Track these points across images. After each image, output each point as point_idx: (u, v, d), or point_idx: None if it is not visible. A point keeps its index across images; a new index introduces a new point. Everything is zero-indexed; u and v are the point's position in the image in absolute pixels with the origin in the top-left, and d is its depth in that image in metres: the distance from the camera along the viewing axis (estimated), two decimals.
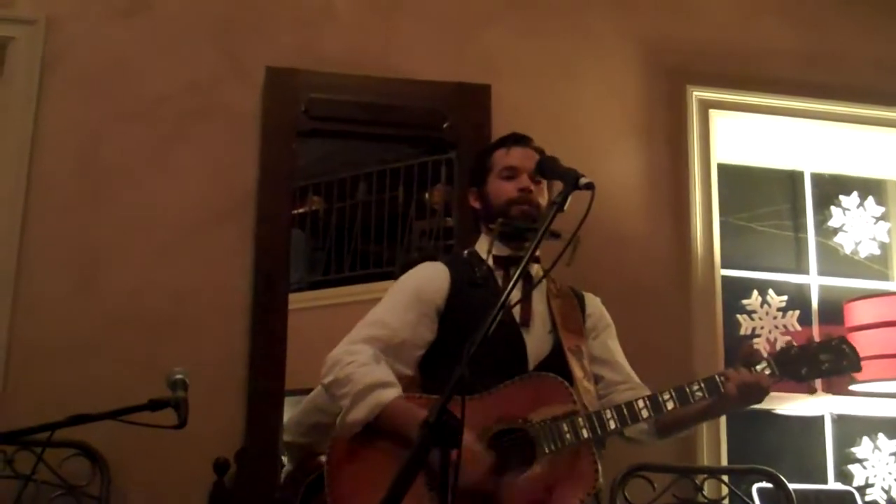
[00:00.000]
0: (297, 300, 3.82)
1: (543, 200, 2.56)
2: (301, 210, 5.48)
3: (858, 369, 2.40)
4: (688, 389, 2.33)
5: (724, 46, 3.81)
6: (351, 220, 5.58)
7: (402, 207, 5.35)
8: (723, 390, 2.32)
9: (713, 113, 3.76)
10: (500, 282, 2.52)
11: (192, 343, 3.17)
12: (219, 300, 3.27)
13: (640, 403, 2.32)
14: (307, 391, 3.02)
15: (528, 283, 2.51)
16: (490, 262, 2.52)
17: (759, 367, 2.35)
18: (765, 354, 2.43)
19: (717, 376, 2.35)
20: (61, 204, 3.26)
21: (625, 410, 2.32)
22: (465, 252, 2.65)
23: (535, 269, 2.56)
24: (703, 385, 2.34)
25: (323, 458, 2.39)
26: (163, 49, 3.43)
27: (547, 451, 2.26)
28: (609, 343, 2.63)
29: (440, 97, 3.48)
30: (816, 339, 2.41)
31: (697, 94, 3.73)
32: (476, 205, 2.66)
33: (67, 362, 3.11)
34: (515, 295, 2.38)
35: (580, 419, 2.28)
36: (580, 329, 2.56)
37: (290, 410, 3.17)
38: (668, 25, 3.80)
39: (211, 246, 3.31)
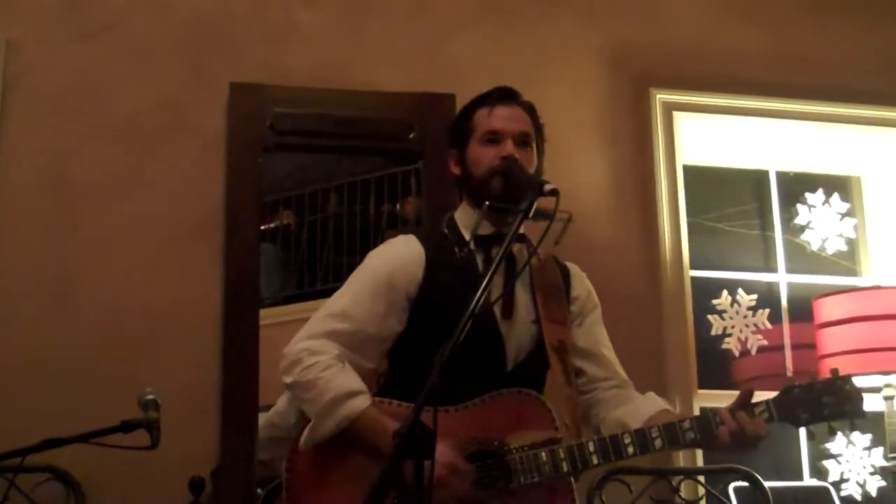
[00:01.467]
0: (270, 315, 3.80)
1: (532, 166, 2.34)
2: (272, 224, 5.44)
3: (861, 415, 2.21)
4: (679, 429, 2.18)
5: (687, 49, 3.83)
6: (323, 233, 5.56)
7: (373, 219, 5.34)
8: (715, 432, 2.16)
9: (677, 115, 3.78)
10: (480, 265, 2.32)
11: (163, 361, 3.15)
12: (190, 317, 3.25)
13: (626, 439, 2.17)
14: None
15: (511, 266, 2.32)
16: (472, 243, 2.31)
17: (757, 411, 2.19)
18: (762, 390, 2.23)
19: (711, 416, 2.18)
20: (28, 225, 3.25)
21: (609, 447, 2.16)
22: (445, 221, 2.43)
23: (518, 249, 2.35)
24: (695, 425, 2.17)
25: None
26: (126, 68, 3.42)
27: (522, 481, 2.13)
28: (594, 330, 2.45)
29: (405, 108, 3.49)
30: (819, 376, 2.25)
31: (661, 96, 3.75)
32: (456, 171, 2.42)
33: (38, 384, 3.09)
34: (497, 282, 2.23)
35: (561, 451, 2.15)
36: (564, 318, 2.38)
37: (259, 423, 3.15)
38: (630, 29, 3.83)
39: (181, 263, 3.30)
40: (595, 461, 2.16)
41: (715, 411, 2.20)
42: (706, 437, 2.18)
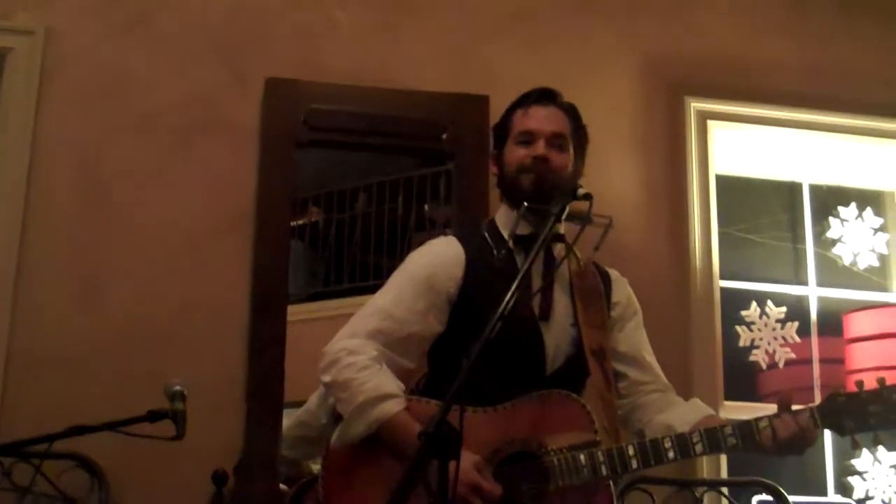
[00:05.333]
0: (296, 311, 3.82)
1: (566, 167, 2.34)
2: (300, 221, 5.47)
3: None
4: (720, 434, 2.14)
5: (723, 58, 3.81)
6: (350, 232, 5.58)
7: (401, 219, 5.34)
8: (758, 438, 2.13)
9: (711, 124, 3.76)
10: (519, 266, 2.23)
11: (191, 354, 3.16)
12: (218, 312, 3.26)
13: (667, 444, 2.14)
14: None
15: (550, 265, 2.31)
16: (511, 243, 2.31)
17: (801, 418, 2.14)
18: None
19: (753, 423, 2.14)
20: (61, 216, 3.27)
21: (650, 451, 2.13)
22: (485, 224, 2.45)
23: (559, 250, 2.34)
24: (737, 431, 2.14)
25: (312, 469, 2.34)
26: (163, 61, 3.43)
27: (560, 484, 2.11)
28: (636, 335, 2.45)
29: (439, 108, 3.48)
30: (866, 386, 2.17)
31: (696, 105, 3.73)
32: (494, 170, 2.44)
33: (66, 374, 3.11)
34: (536, 283, 2.26)
35: (600, 454, 2.12)
36: (604, 322, 2.36)
37: (289, 421, 3.17)
38: (667, 37, 3.81)
39: (211, 257, 3.31)
40: (634, 465, 2.13)
41: (759, 418, 2.16)
42: (748, 443, 2.14)
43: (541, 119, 2.38)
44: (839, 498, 3.70)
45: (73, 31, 3.39)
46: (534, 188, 2.29)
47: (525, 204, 2.26)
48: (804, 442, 2.14)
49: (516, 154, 2.37)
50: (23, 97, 3.29)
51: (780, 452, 2.15)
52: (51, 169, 3.28)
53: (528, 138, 2.37)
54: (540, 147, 2.34)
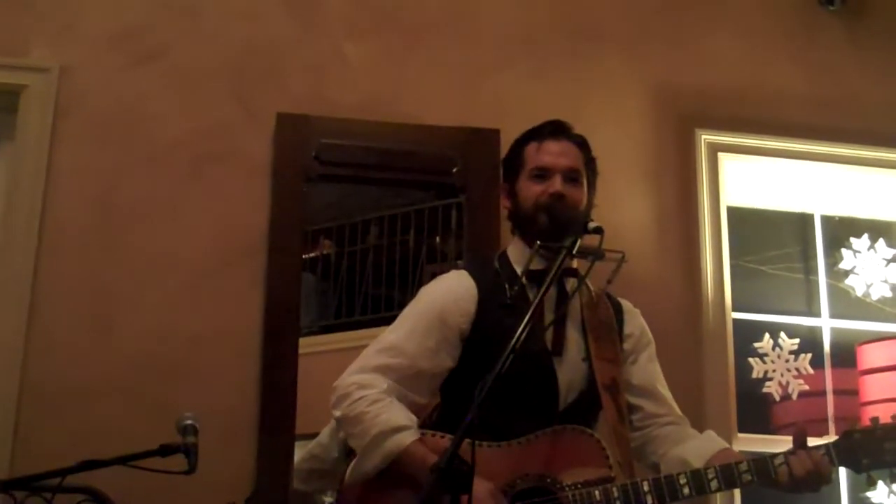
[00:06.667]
0: (307, 344, 3.82)
1: (581, 202, 2.36)
2: (312, 254, 5.47)
3: None
4: (735, 470, 2.14)
5: (733, 90, 3.82)
6: (362, 264, 5.57)
7: (412, 251, 5.34)
8: (773, 475, 2.14)
9: (722, 156, 3.76)
10: (532, 301, 2.17)
11: (202, 387, 3.17)
12: (230, 344, 3.27)
13: (682, 480, 2.13)
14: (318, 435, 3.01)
15: (563, 300, 2.32)
16: (523, 279, 2.30)
17: (816, 455, 2.16)
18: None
19: (768, 460, 2.15)
20: (74, 249, 3.28)
21: (664, 487, 2.12)
22: (496, 258, 2.45)
23: (571, 285, 2.36)
24: (752, 467, 2.14)
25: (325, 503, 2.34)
26: (175, 96, 3.46)
27: None
28: (649, 367, 2.46)
29: (450, 142, 3.50)
30: (881, 421, 2.19)
31: (706, 137, 3.74)
32: (506, 203, 2.46)
33: (79, 407, 3.11)
34: (548, 318, 2.27)
35: (615, 489, 2.12)
36: (616, 356, 2.38)
37: (300, 454, 3.16)
38: (677, 69, 3.82)
39: (222, 290, 3.32)
40: (650, 501, 2.12)
41: (774, 454, 2.16)
42: (763, 480, 2.15)
43: (556, 154, 2.39)
44: None
45: (88, 67, 3.42)
46: (550, 226, 2.29)
47: (538, 242, 2.26)
48: (820, 479, 2.14)
49: (532, 190, 2.37)
50: (37, 133, 3.32)
51: (795, 489, 2.14)
52: (65, 203, 3.30)
53: (543, 173, 2.37)
54: (556, 183, 2.35)
